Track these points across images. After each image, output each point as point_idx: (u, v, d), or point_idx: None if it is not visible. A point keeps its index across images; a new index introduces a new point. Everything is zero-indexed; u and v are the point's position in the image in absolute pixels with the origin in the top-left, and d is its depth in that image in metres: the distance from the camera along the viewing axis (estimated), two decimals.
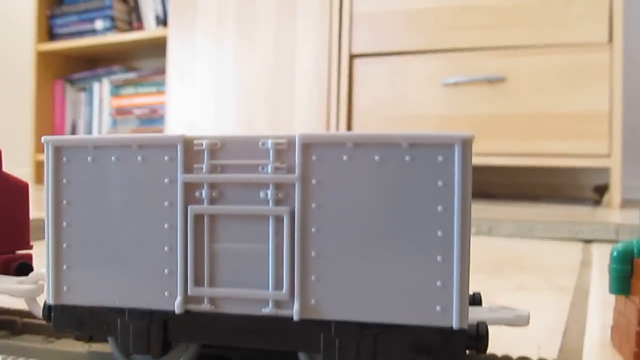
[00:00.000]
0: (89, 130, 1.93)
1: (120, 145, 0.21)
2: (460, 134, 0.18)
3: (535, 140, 1.22)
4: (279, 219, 0.20)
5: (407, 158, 0.19)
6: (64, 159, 0.21)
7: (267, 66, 1.47)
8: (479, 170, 1.84)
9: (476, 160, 1.29)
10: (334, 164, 0.19)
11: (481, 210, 0.88)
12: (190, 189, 0.20)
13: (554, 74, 1.21)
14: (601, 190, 1.46)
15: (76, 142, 0.21)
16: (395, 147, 0.19)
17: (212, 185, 0.20)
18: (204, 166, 0.20)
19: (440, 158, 0.18)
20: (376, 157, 0.19)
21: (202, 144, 0.20)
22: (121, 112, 1.88)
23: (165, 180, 0.20)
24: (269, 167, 0.20)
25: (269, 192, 0.20)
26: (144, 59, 1.97)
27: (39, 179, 1.96)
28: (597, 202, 1.38)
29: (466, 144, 0.18)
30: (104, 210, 0.21)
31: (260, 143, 0.20)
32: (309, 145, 0.19)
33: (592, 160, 1.18)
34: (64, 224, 0.21)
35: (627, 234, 0.62)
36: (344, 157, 0.19)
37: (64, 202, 0.21)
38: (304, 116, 1.43)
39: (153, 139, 0.20)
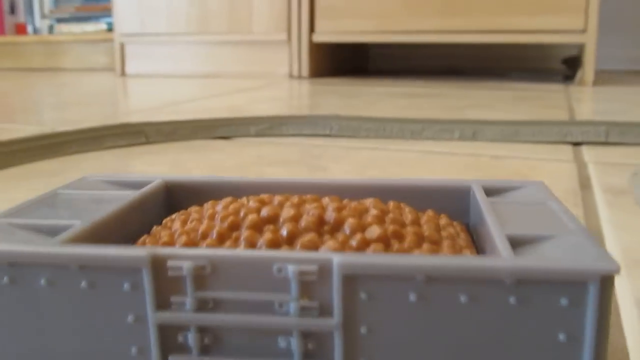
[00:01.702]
0: (29, 9, 1.74)
1: (51, 264, 0.13)
2: (600, 266, 0.11)
3: (507, 16, 1.13)
4: None
5: (511, 300, 0.12)
6: None
7: None
8: (446, 46, 1.76)
9: (444, 38, 1.20)
10: (394, 305, 0.12)
11: (456, 97, 0.82)
12: (168, 332, 0.13)
13: None
14: (569, 62, 1.41)
15: None
16: (494, 283, 0.12)
17: (203, 329, 0.13)
18: (187, 300, 0.13)
19: (564, 302, 0.12)
20: (462, 298, 0.12)
21: (181, 268, 0.13)
22: None
23: (129, 318, 0.13)
24: (291, 305, 0.13)
25: (292, 342, 0.13)
26: None
27: None
28: (568, 77, 1.33)
29: (606, 283, 0.12)
30: (41, 354, 0.14)
31: (275, 269, 0.13)
32: (355, 278, 0.12)
33: (566, 36, 1.11)
34: None
35: (616, 135, 0.58)
36: (411, 297, 0.12)
37: None
38: (264, 12, 1.30)
39: (102, 258, 0.13)
